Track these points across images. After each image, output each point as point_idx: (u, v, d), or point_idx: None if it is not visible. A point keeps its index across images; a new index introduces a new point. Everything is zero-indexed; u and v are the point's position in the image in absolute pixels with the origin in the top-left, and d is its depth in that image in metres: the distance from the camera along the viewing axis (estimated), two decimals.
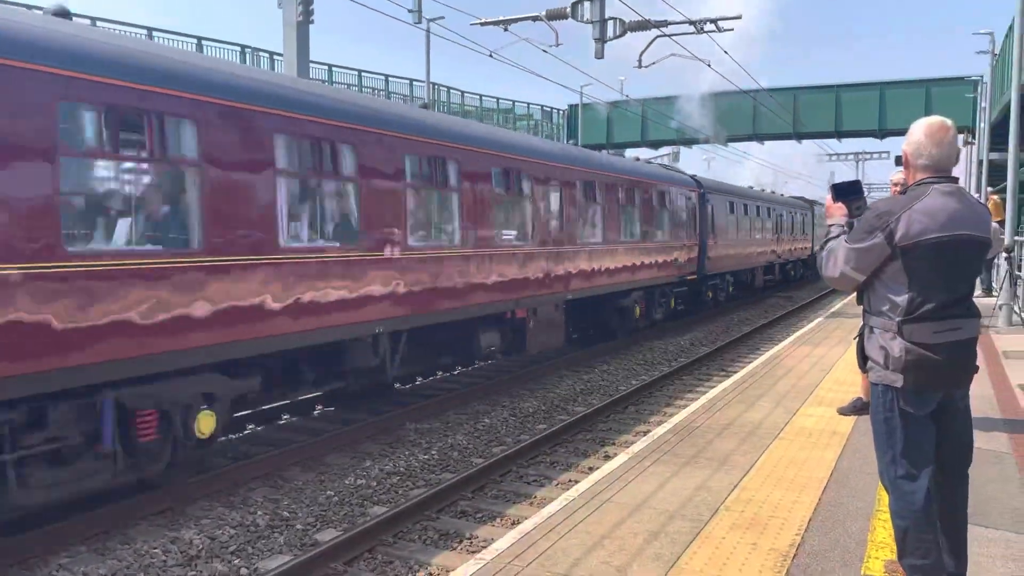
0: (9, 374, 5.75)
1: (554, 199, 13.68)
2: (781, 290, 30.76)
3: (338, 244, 9.02)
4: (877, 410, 3.76)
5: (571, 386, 13.28)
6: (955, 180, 3.75)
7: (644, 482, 5.68)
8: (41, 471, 6.20)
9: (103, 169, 6.95)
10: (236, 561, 6.50)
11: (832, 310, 19.67)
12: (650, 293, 17.84)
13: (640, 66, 16.97)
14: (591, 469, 8.15)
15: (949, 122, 3.78)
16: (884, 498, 4.34)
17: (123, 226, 6.89)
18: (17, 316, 5.79)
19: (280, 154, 8.14)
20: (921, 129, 3.75)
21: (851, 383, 9.03)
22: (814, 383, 9.42)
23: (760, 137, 30.30)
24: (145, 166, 7.10)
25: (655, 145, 28.63)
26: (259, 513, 7.34)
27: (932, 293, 3.55)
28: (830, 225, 4.01)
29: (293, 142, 8.38)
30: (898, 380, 3.61)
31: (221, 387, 7.65)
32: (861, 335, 3.91)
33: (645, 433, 8.29)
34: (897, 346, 3.60)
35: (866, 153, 54.10)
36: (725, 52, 16.29)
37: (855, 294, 4.00)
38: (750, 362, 12.82)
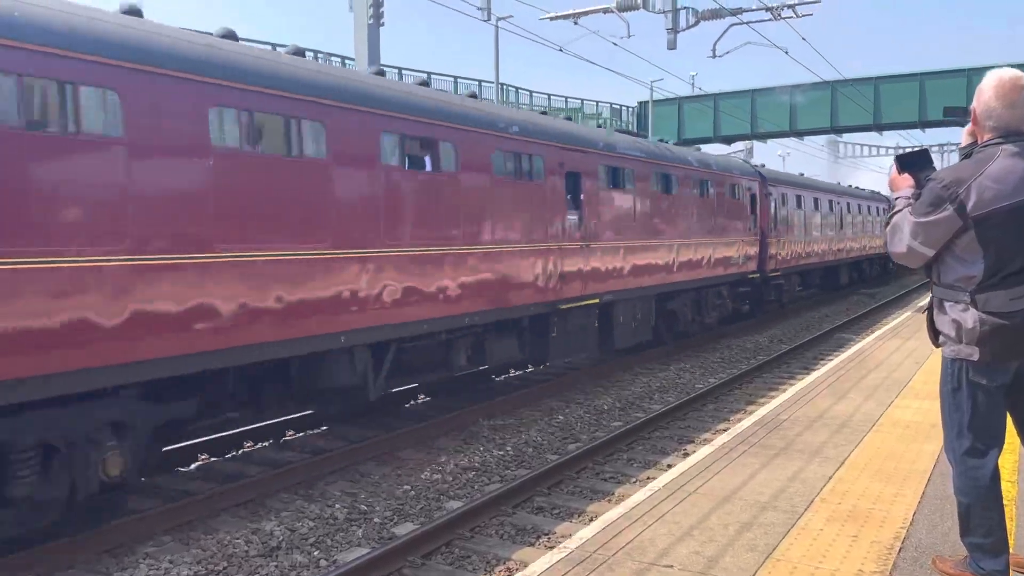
0: None
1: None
2: (861, 287, 29.64)
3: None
4: (945, 381, 3.61)
5: (646, 383, 13.03)
6: None
7: (732, 474, 5.44)
8: None
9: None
10: (316, 553, 6.52)
11: (921, 304, 18.83)
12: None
13: (714, 56, 16.59)
14: (670, 466, 7.91)
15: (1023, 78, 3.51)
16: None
17: None
18: None
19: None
20: (991, 88, 3.51)
21: None
22: (907, 376, 8.95)
23: (839, 130, 29.31)
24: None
25: (728, 140, 27.98)
26: (337, 506, 7.36)
27: (1007, 261, 3.36)
28: (896, 198, 3.76)
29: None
30: (974, 353, 3.44)
31: None
32: (930, 309, 3.69)
33: (726, 430, 8.00)
34: (971, 318, 3.41)
35: (951, 145, 51.50)
36: (803, 39, 15.75)
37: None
38: (835, 357, 12.32)
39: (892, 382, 8.64)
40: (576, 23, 15.73)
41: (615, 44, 15.12)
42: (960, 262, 3.48)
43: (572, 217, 11.73)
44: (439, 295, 9.11)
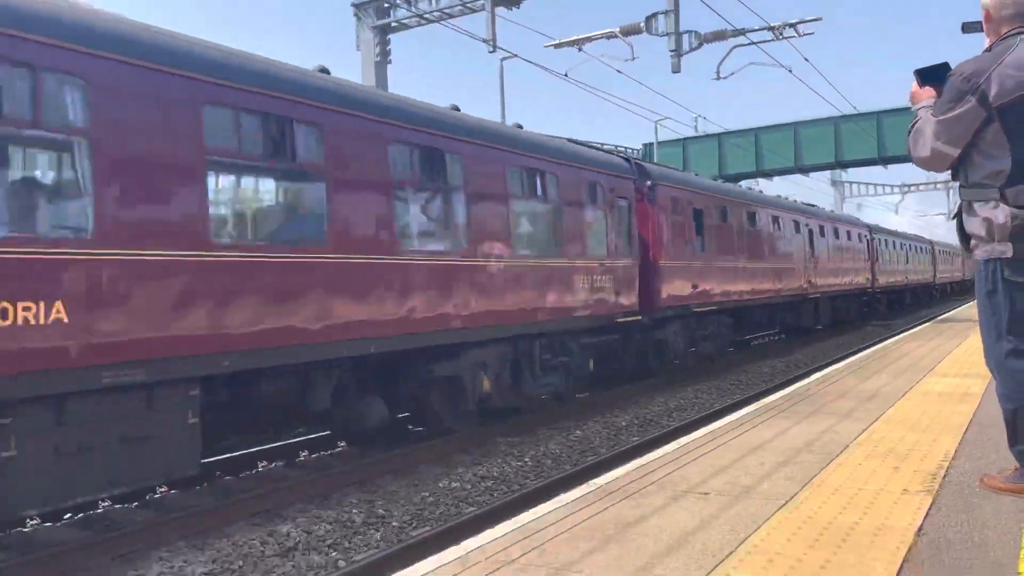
0: None
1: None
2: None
3: None
4: (980, 286, 3.52)
5: (664, 403, 12.82)
6: None
7: (763, 430, 5.30)
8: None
9: None
10: (333, 554, 6.32)
11: (941, 317, 18.63)
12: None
13: (718, 77, 16.75)
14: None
15: None
16: None
17: None
18: None
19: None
20: None
21: (973, 364, 8.34)
22: (933, 363, 8.78)
23: (844, 164, 29.46)
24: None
25: (735, 179, 28.15)
26: (354, 511, 7.18)
27: None
28: (917, 109, 3.71)
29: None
30: (1007, 250, 3.39)
31: None
32: (959, 215, 3.61)
33: (753, 400, 7.78)
34: (1002, 214, 3.34)
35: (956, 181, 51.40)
36: (806, 59, 15.91)
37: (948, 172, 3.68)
38: (858, 352, 12.07)
39: (918, 367, 8.47)
40: (580, 49, 16.01)
41: (618, 72, 15.38)
42: (987, 158, 3.42)
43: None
44: None
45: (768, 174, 29.68)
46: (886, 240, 30.14)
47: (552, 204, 11.05)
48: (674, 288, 13.85)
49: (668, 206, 13.83)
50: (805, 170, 29.37)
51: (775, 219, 18.58)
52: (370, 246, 7.87)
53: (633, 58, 15.22)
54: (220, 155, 6.74)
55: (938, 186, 50.57)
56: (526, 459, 9.08)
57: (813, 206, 24.05)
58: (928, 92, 3.70)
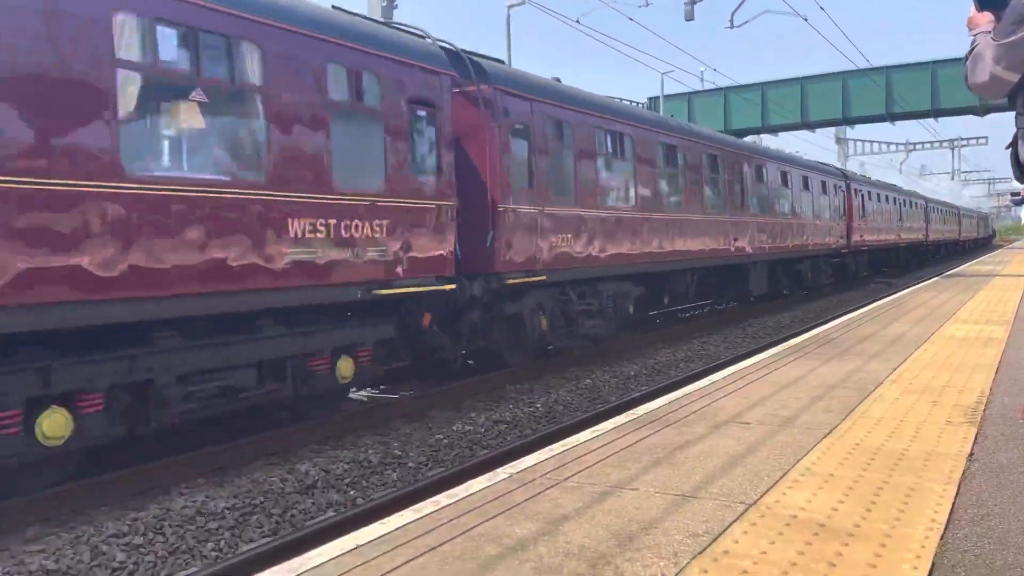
0: None
1: None
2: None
3: None
4: None
5: (671, 354, 12.81)
6: None
7: (792, 369, 5.26)
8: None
9: None
10: (352, 492, 6.30)
11: (948, 272, 18.60)
12: None
13: (732, 26, 16.42)
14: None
15: None
16: None
17: None
18: None
19: None
20: None
21: (993, 312, 8.32)
22: (950, 312, 8.76)
23: (851, 121, 29.16)
24: None
25: (740, 134, 27.84)
26: (371, 452, 7.15)
27: None
28: (975, 34, 3.57)
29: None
30: None
31: None
32: (1014, 144, 3.50)
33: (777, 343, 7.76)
34: None
35: (961, 139, 51.11)
36: (821, 8, 15.52)
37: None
38: (874, 301, 12.04)
39: (936, 315, 8.45)
40: None
41: (630, 19, 15.06)
42: None
43: None
44: None
45: (774, 129, 29.40)
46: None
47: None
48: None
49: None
50: (811, 126, 29.07)
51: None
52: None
53: (647, 3, 14.89)
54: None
55: (943, 144, 50.18)
56: (537, 405, 9.08)
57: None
58: (986, 16, 3.57)
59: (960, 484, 2.84)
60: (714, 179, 15.23)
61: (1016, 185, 5.01)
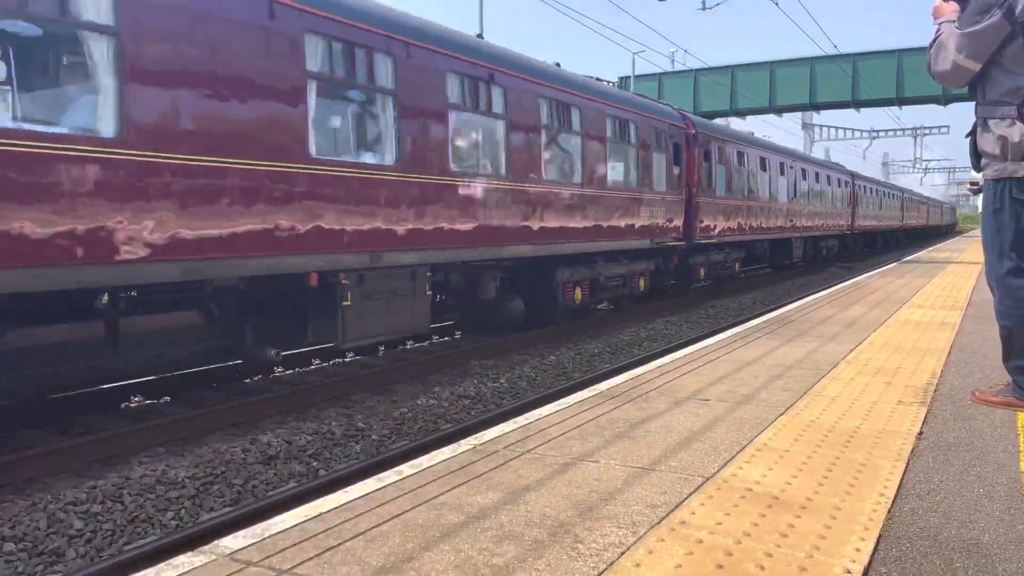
0: None
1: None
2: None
3: None
4: (987, 204, 3.54)
5: (635, 333, 12.94)
6: None
7: (752, 349, 5.36)
8: None
9: None
10: (314, 463, 6.30)
11: (907, 259, 19.02)
12: None
13: (704, 8, 16.45)
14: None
15: None
16: None
17: None
18: None
19: None
20: None
21: (947, 297, 8.54)
22: (907, 297, 8.97)
23: (817, 106, 29.46)
24: None
25: (709, 116, 27.91)
26: (334, 424, 7.15)
27: None
28: (940, 23, 3.65)
29: None
30: (1019, 169, 3.42)
31: None
32: (973, 133, 3.60)
33: (738, 324, 7.91)
34: (1017, 132, 3.35)
35: (924, 128, 51.90)
36: None
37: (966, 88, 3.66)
38: (834, 285, 12.30)
39: (893, 300, 8.64)
40: None
41: None
42: (1007, 74, 3.40)
43: None
44: None
45: (742, 113, 29.61)
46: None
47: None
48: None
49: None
50: (779, 110, 29.35)
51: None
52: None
53: None
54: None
55: (906, 132, 51.03)
56: (502, 381, 9.13)
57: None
58: (951, 6, 3.64)
59: (909, 461, 2.94)
60: (786, 178, 22.17)
61: (974, 175, 5.14)
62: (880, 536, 2.29)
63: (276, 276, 7.15)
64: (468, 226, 9.26)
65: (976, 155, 3.61)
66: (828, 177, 26.90)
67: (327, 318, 7.65)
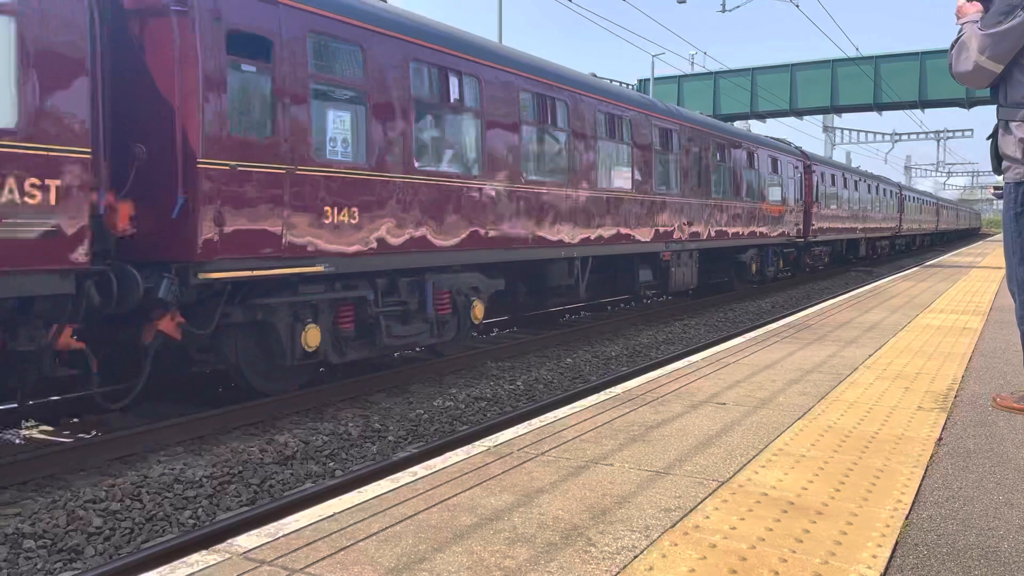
0: None
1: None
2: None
3: None
4: (1008, 208, 3.47)
5: (652, 336, 12.89)
6: None
7: (769, 353, 5.31)
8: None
9: None
10: (331, 464, 6.32)
11: (929, 263, 18.83)
12: None
13: (724, 10, 16.38)
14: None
15: None
16: None
17: None
18: None
19: None
20: None
21: (969, 302, 8.43)
22: (928, 301, 8.86)
23: (839, 109, 29.19)
24: None
25: (729, 119, 27.79)
26: (350, 425, 7.17)
27: None
28: (963, 23, 3.59)
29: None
30: None
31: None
32: (994, 135, 3.53)
33: (755, 328, 7.91)
34: None
35: (948, 131, 51.18)
36: None
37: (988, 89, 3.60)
38: (853, 289, 12.19)
39: (913, 304, 8.54)
40: None
41: (625, 0, 14.94)
42: None
43: None
44: None
45: (762, 116, 29.40)
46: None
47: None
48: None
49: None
50: (800, 113, 29.13)
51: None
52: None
53: None
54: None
55: (928, 136, 50.40)
56: (518, 383, 9.12)
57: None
58: (975, 6, 3.59)
59: (927, 467, 2.90)
60: (859, 192, 28.11)
61: (996, 179, 5.06)
62: (897, 542, 2.26)
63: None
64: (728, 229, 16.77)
65: (997, 158, 3.56)
66: (883, 189, 31.51)
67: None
